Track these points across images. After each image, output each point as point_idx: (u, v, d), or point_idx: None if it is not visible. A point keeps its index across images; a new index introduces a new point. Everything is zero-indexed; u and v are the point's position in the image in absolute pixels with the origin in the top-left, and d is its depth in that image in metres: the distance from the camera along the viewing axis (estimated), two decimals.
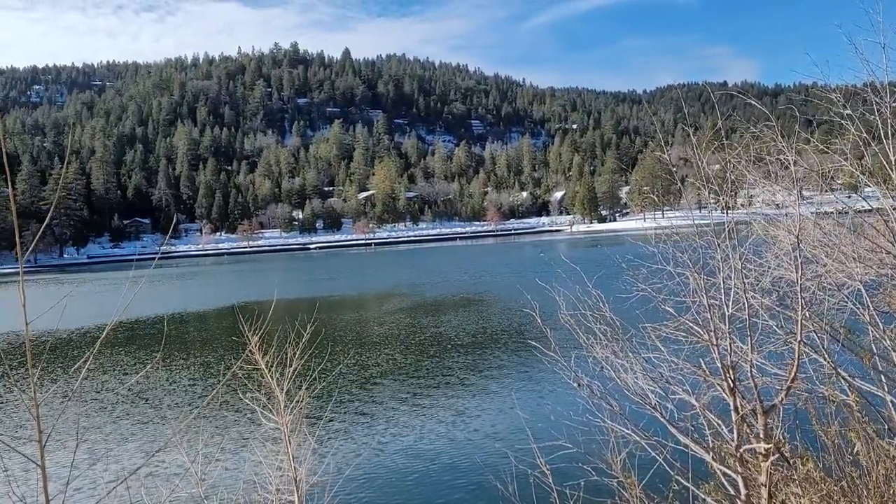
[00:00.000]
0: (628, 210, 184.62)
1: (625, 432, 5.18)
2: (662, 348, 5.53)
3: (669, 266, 5.73)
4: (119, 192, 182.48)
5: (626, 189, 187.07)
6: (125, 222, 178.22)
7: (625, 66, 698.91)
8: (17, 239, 2.08)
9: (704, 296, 5.06)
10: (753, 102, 6.05)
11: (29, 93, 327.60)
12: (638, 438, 5.19)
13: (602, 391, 5.44)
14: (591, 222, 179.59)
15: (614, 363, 5.48)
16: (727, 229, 5.25)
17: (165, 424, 16.01)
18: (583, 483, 5.50)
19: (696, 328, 5.28)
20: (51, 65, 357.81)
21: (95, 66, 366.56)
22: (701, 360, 5.25)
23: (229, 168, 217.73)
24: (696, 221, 5.54)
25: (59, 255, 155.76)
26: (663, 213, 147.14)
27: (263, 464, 6.29)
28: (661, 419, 5.11)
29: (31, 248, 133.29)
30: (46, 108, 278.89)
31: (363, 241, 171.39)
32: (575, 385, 5.65)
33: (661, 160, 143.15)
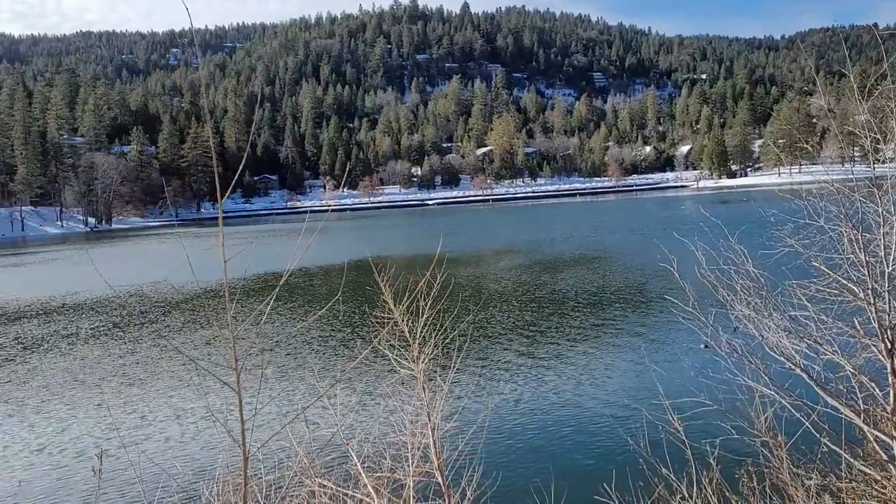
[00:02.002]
0: (761, 164, 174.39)
1: (768, 392, 5.01)
2: (810, 306, 5.27)
3: (820, 220, 5.43)
4: (249, 149, 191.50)
5: (758, 142, 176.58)
6: (255, 179, 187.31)
7: (760, 10, 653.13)
8: (217, 188, 2.26)
9: (862, 252, 4.76)
10: None
11: (168, 56, 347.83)
12: (781, 399, 5.01)
13: (743, 349, 5.27)
14: (720, 178, 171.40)
15: (757, 321, 5.29)
16: (889, 182, 4.89)
17: (317, 374, 16.83)
18: (718, 441, 5.38)
19: (849, 286, 4.99)
20: (186, 28, 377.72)
21: (227, 28, 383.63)
22: (854, 319, 4.97)
23: (351, 125, 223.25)
24: (854, 174, 5.19)
25: (196, 210, 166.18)
26: (800, 168, 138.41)
27: (398, 409, 6.55)
28: (808, 380, 4.91)
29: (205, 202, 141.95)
30: (183, 70, 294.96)
31: (481, 198, 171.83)
32: (702, 345, 5.52)
33: (802, 110, 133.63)
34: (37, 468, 12.44)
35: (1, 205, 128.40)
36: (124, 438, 13.50)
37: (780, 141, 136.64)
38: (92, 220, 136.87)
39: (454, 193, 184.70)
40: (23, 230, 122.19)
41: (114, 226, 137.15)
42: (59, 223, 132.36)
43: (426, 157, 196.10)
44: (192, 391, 16.28)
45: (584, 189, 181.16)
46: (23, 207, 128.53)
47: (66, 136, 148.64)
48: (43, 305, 33.15)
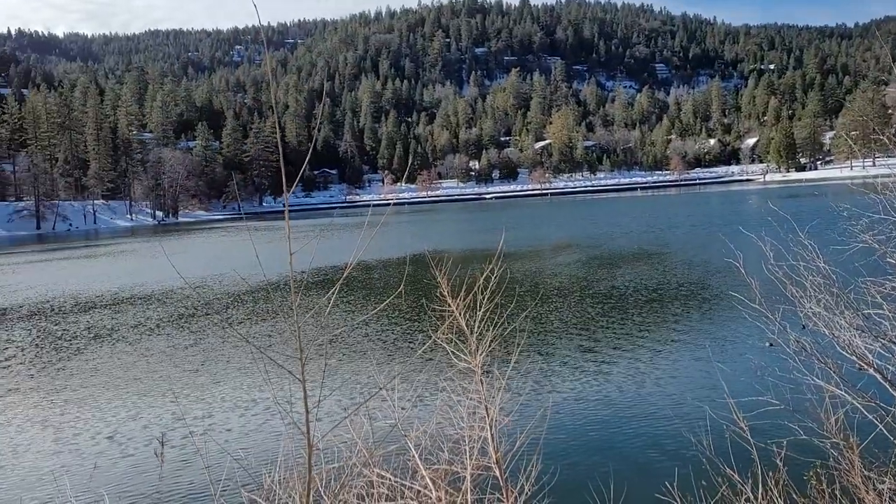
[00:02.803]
0: (832, 157, 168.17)
1: (839, 393, 4.84)
2: (885, 304, 5.07)
3: None
4: (310, 144, 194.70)
5: (830, 134, 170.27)
6: (315, 173, 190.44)
7: None
8: (283, 182, 2.31)
9: None
10: None
11: (231, 53, 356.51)
12: (852, 400, 4.83)
13: (812, 348, 5.11)
14: (788, 171, 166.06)
15: (827, 319, 5.11)
16: None
17: (376, 366, 17.01)
18: (786, 442, 5.22)
19: None
20: (249, 26, 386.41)
21: (288, 24, 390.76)
22: None
23: (409, 119, 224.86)
24: None
25: (258, 204, 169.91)
26: (874, 161, 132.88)
27: (456, 403, 6.56)
28: (882, 381, 4.72)
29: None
30: (246, 67, 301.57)
31: (539, 192, 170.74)
32: (768, 344, 5.37)
33: (877, 100, 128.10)
34: (109, 454, 12.93)
35: (75, 198, 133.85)
36: (190, 426, 13.92)
37: (853, 133, 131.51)
38: (160, 214, 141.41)
39: (512, 187, 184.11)
40: (95, 223, 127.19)
41: (180, 219, 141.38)
42: (128, 216, 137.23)
43: (484, 151, 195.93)
44: (256, 381, 16.68)
45: (645, 183, 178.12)
46: (95, 201, 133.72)
47: (135, 132, 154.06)
48: (113, 296, 34.42)
